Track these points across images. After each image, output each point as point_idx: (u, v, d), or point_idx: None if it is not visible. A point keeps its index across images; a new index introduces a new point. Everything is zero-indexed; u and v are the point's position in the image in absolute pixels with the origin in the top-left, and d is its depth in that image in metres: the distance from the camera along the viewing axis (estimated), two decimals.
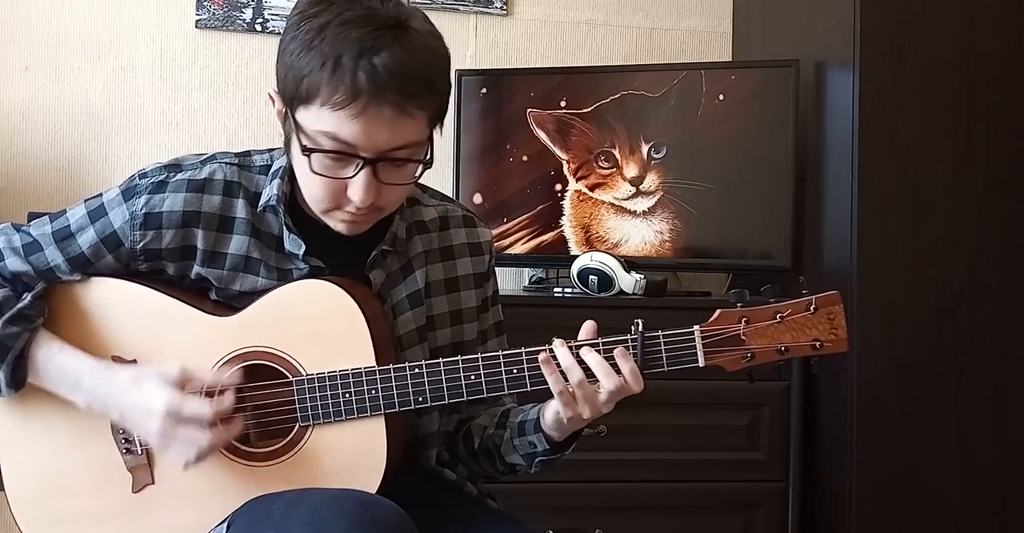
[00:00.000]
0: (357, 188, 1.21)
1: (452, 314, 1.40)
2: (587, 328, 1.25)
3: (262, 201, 1.31)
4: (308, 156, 1.20)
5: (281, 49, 1.21)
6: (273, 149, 1.37)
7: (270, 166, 1.34)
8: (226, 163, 1.33)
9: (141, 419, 1.22)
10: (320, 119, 1.18)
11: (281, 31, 1.24)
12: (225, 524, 1.27)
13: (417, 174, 1.26)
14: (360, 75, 1.14)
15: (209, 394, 1.24)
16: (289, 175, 1.32)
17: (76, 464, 1.31)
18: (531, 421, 1.34)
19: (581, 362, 1.22)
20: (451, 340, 1.40)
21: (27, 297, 1.28)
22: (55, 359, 1.27)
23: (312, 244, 1.31)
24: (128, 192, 1.30)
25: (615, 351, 1.22)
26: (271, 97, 1.27)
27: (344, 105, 1.15)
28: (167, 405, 1.20)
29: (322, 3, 1.19)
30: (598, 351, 1.22)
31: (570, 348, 1.23)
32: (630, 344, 1.23)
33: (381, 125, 1.18)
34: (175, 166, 1.32)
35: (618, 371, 1.22)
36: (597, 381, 1.22)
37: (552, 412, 1.28)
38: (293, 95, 1.19)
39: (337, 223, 1.27)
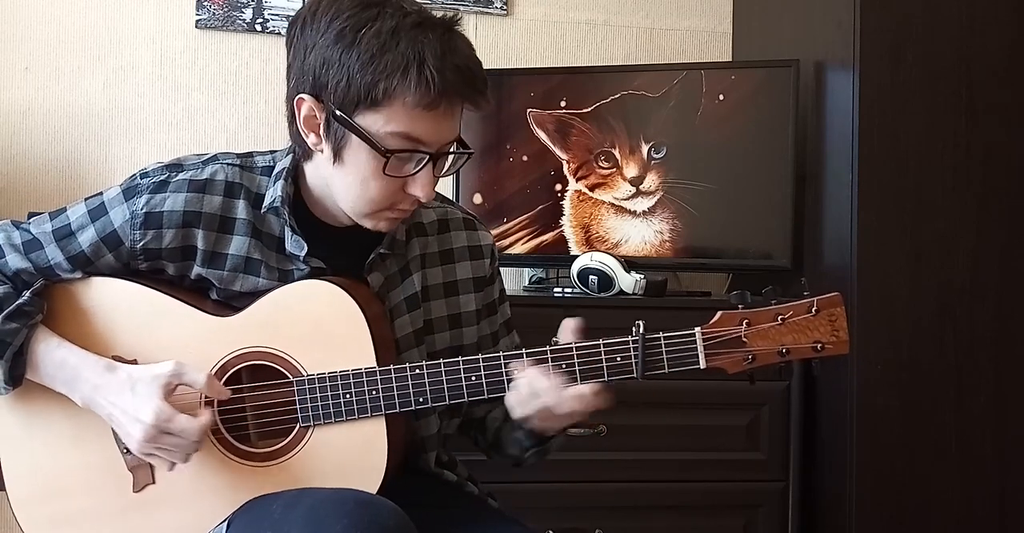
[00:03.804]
0: (423, 183, 1.23)
1: (451, 318, 1.40)
2: (565, 329, 1.27)
3: (266, 202, 1.31)
4: (387, 158, 1.20)
5: (328, 57, 1.19)
6: (275, 151, 1.37)
7: (272, 167, 1.34)
8: (228, 164, 1.33)
9: (128, 423, 1.22)
10: (393, 120, 1.19)
11: (281, 31, 1.24)
12: (225, 524, 1.27)
13: (460, 164, 1.31)
14: (447, 75, 1.17)
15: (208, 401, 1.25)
16: (293, 176, 1.32)
17: (77, 463, 1.31)
18: None
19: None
20: (450, 344, 1.40)
21: (26, 294, 1.28)
22: (55, 354, 1.27)
23: (312, 246, 1.31)
24: (129, 191, 1.31)
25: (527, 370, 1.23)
26: (300, 102, 1.24)
27: (433, 105, 1.18)
28: (155, 416, 1.20)
29: (368, 8, 1.19)
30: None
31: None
32: (631, 345, 1.23)
33: (452, 121, 1.23)
34: (177, 166, 1.32)
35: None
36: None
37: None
38: (359, 99, 1.18)
39: (379, 222, 1.28)
